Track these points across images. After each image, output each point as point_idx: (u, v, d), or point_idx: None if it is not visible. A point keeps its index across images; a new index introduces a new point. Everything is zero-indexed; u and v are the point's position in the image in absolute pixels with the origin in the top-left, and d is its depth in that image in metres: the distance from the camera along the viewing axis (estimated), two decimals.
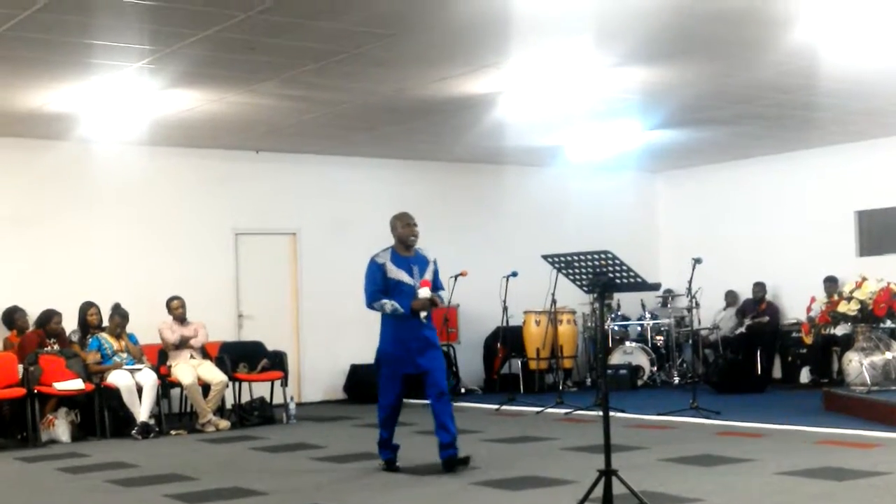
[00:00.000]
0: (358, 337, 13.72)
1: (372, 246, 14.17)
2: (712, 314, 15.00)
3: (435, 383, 7.63)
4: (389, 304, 7.53)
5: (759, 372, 13.86)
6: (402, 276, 7.60)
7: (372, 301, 7.63)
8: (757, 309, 14.55)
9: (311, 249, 13.83)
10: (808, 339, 12.58)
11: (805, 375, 13.71)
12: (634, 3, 7.62)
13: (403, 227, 7.75)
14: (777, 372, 14.34)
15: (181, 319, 11.46)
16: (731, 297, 15.00)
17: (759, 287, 14.64)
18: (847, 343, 11.19)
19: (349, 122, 11.76)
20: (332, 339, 13.70)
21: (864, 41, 8.75)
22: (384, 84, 9.94)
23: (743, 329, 14.48)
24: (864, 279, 10.73)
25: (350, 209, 14.06)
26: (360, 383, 13.59)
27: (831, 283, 13.26)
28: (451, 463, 7.59)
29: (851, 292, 10.65)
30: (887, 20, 8.15)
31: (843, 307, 10.61)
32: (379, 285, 7.59)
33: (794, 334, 13.82)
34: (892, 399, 9.74)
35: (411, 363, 7.66)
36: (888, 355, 10.59)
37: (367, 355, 13.84)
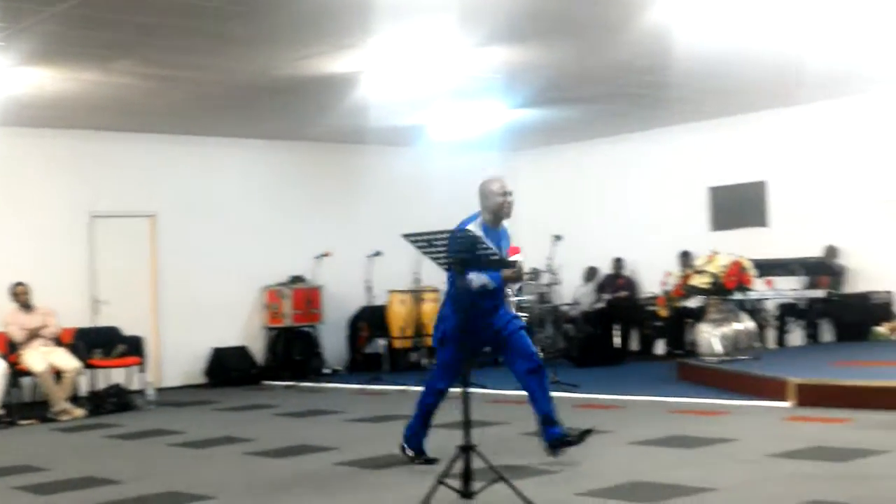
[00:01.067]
0: (219, 320, 13.55)
1: (233, 228, 14.23)
2: (573, 290, 15.29)
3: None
4: (476, 276, 6.42)
5: (618, 345, 14.22)
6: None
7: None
8: (615, 284, 14.92)
9: (171, 232, 13.51)
10: (664, 312, 12.96)
11: (661, 347, 14.15)
12: None
13: (500, 194, 6.65)
14: (635, 344, 14.75)
15: (26, 306, 11.05)
16: (590, 272, 15.32)
17: (618, 262, 15.01)
18: (700, 315, 11.57)
19: (211, 101, 11.52)
20: (193, 322, 13.45)
21: (716, 22, 9.02)
22: (245, 63, 9.77)
23: (602, 304, 14.82)
24: (716, 253, 11.10)
25: (211, 190, 13.80)
26: (223, 367, 13.41)
27: (685, 257, 13.68)
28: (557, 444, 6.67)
29: (704, 266, 11.00)
30: (736, 2, 8.41)
31: (695, 280, 10.96)
32: None
33: (650, 308, 14.21)
34: (741, 368, 10.13)
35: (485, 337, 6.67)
36: (737, 326, 11.00)
37: (229, 338, 13.70)
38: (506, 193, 6.62)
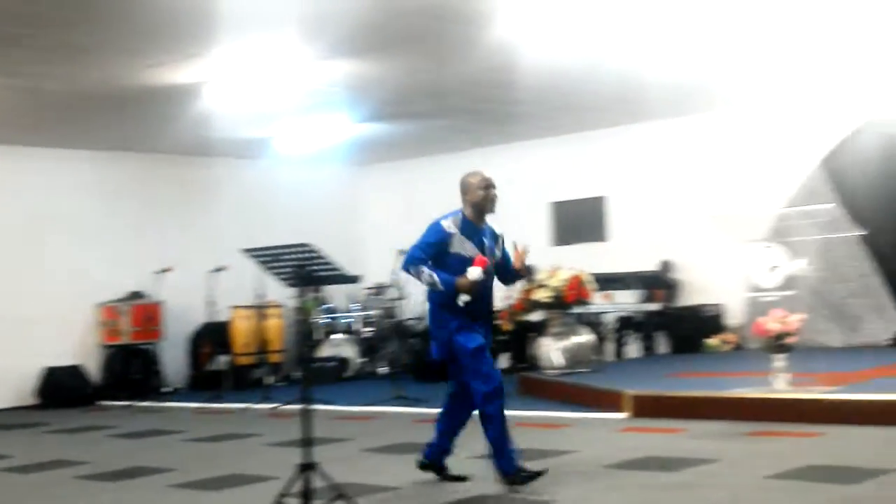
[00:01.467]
0: (51, 338, 13.01)
1: (72, 241, 13.72)
2: (419, 304, 15.33)
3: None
4: (427, 274, 5.98)
5: None
6: (469, 250, 6.06)
7: (411, 263, 6.06)
8: None
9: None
10: (507, 326, 13.12)
11: (505, 361, 14.30)
12: None
13: (481, 188, 6.18)
14: None
15: None
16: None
17: None
18: (542, 329, 11.76)
19: (51, 111, 11.11)
20: (22, 340, 12.85)
21: (560, 40, 9.20)
22: (88, 72, 9.47)
23: None
24: (557, 268, 11.32)
25: (47, 203, 13.27)
26: (56, 387, 12.89)
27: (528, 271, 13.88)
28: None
29: (545, 280, 11.20)
30: (580, 19, 8.59)
31: (537, 295, 11.15)
32: (429, 253, 6.04)
33: (495, 322, 14.35)
34: (581, 381, 10.34)
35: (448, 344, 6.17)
36: (577, 339, 11.24)
37: (63, 357, 13.17)
38: (488, 186, 6.19)
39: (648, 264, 13.70)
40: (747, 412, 8.26)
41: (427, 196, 16.32)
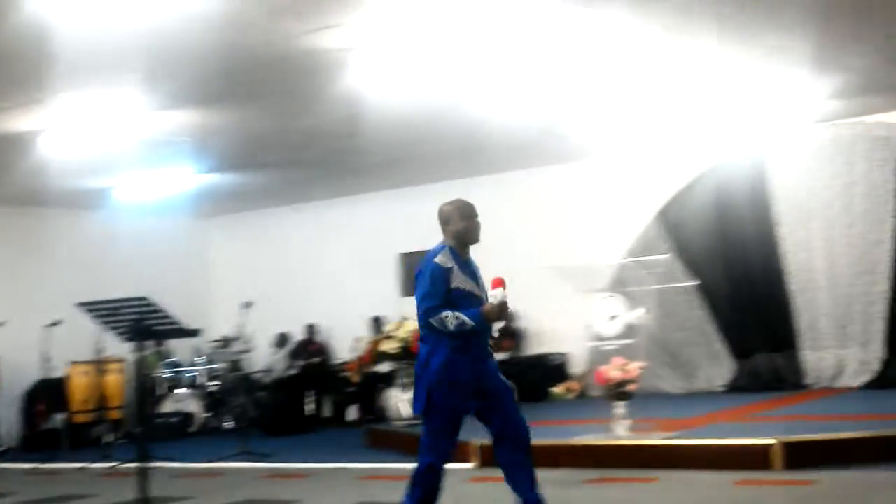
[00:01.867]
0: None
1: None
2: (267, 357, 15.13)
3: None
4: (453, 317, 5.39)
5: (310, 412, 14.17)
6: (470, 285, 5.59)
7: (431, 315, 5.42)
8: (308, 350, 14.91)
9: None
10: (356, 378, 13.10)
11: (353, 413, 14.23)
12: (180, 47, 7.56)
13: (464, 217, 5.70)
14: (328, 411, 14.75)
15: None
16: (281, 339, 15.22)
17: (311, 328, 15.03)
18: (390, 380, 11.77)
19: None
20: None
21: (406, 94, 9.33)
22: None
23: (295, 370, 14.75)
24: (405, 319, 11.37)
25: None
26: None
27: (377, 322, 13.91)
28: None
29: (393, 331, 11.23)
30: (426, 73, 8.73)
31: (385, 346, 11.17)
32: (443, 295, 5.46)
33: (343, 374, 14.30)
34: None
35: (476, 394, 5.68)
36: None
37: None
38: (471, 216, 5.74)
39: None
40: (589, 459, 8.41)
41: (276, 246, 16.25)
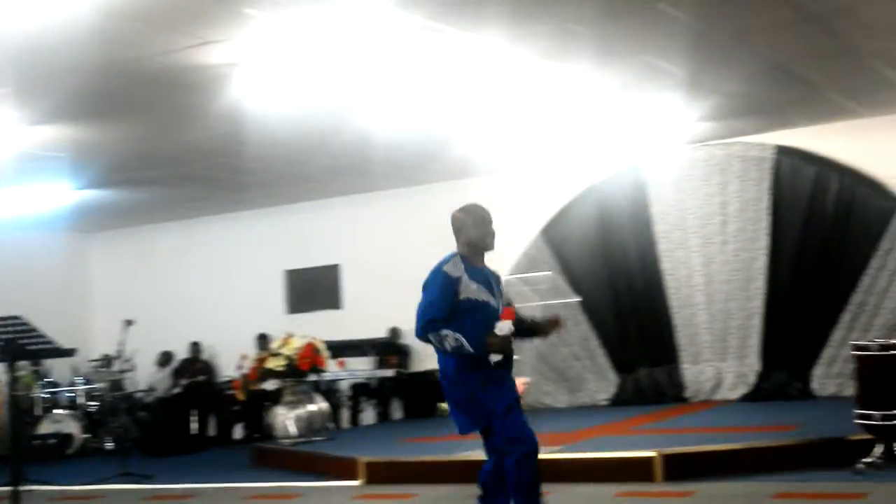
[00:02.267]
0: None
1: None
2: (149, 376, 14.81)
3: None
4: (453, 338, 5.08)
5: (195, 431, 13.91)
6: (484, 294, 5.25)
7: (430, 330, 5.13)
8: (193, 368, 14.64)
9: None
10: (241, 396, 12.89)
11: (239, 432, 14.03)
12: (52, 62, 7.36)
13: (477, 224, 5.40)
14: (213, 430, 14.51)
15: None
16: (164, 357, 14.92)
17: (195, 346, 14.77)
18: (277, 398, 11.64)
19: None
20: None
21: (289, 112, 9.27)
22: None
23: (179, 389, 14.46)
24: (291, 336, 11.27)
25: None
26: None
27: (263, 340, 13.75)
28: None
29: (279, 348, 11.12)
30: (310, 89, 8.70)
31: (270, 363, 11.04)
32: (445, 310, 5.14)
33: (228, 392, 14.08)
34: (315, 449, 10.28)
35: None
36: (312, 407, 11.20)
37: None
38: (485, 221, 5.42)
39: (380, 331, 13.90)
40: (473, 475, 8.43)
41: (159, 264, 15.94)
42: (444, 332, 5.07)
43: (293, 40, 7.29)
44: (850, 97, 10.50)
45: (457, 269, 5.21)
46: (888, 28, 8.15)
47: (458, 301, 5.15)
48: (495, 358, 5.12)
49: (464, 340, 5.05)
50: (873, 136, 11.56)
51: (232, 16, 6.72)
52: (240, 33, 7.07)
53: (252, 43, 7.28)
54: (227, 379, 14.44)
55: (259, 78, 8.14)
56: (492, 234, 5.40)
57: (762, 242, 12.04)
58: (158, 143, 10.30)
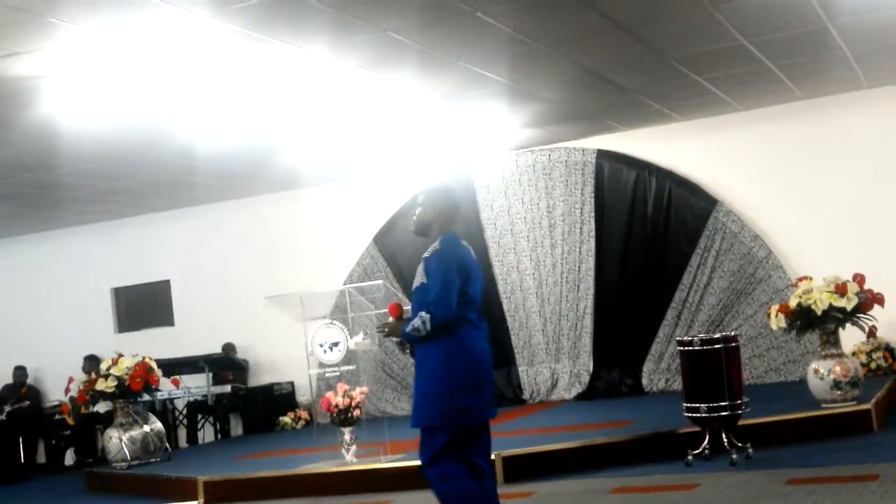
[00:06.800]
0: None
1: None
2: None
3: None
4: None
5: (22, 460, 13.34)
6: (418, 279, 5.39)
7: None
8: (18, 394, 14.03)
9: None
10: (71, 420, 12.47)
11: (70, 457, 13.54)
12: None
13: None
14: (42, 457, 13.96)
15: None
16: None
17: (20, 371, 14.17)
18: (109, 420, 11.29)
19: None
20: None
21: (105, 125, 8.99)
22: None
23: (3, 416, 13.82)
24: (121, 355, 10.95)
25: None
26: None
27: (92, 360, 13.31)
28: None
29: (108, 369, 10.79)
30: (126, 102, 8.44)
31: (100, 384, 10.70)
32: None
33: (57, 416, 13.57)
34: (152, 471, 10.03)
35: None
36: (146, 428, 10.90)
37: None
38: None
39: (215, 346, 13.67)
40: (317, 487, 8.45)
41: None
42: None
43: (105, 50, 7.03)
44: (662, 102, 10.94)
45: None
46: (694, 35, 8.51)
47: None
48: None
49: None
50: (688, 138, 12.10)
51: (39, 26, 6.45)
52: (48, 44, 6.79)
53: (62, 54, 6.99)
54: (55, 403, 13.93)
55: (71, 90, 7.81)
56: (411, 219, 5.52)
57: (589, 245, 12.41)
58: None
